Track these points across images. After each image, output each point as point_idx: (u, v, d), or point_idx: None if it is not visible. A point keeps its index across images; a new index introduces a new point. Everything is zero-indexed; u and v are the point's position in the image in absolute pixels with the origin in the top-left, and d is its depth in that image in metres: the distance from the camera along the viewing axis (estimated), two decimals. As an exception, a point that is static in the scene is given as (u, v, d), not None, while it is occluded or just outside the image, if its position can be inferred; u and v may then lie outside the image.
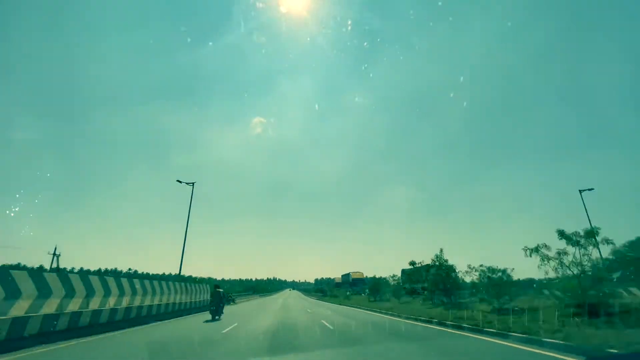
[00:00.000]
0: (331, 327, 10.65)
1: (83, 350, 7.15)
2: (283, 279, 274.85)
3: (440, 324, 11.02)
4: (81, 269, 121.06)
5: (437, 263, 17.28)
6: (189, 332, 10.20)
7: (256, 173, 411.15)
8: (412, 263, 21.12)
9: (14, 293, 7.89)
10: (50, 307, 8.88)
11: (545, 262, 10.61)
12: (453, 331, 9.45)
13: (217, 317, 15.38)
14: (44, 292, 8.74)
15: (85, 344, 7.85)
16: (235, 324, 12.00)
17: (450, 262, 19.43)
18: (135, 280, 14.62)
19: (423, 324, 11.55)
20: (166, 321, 14.46)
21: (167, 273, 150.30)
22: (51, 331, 8.65)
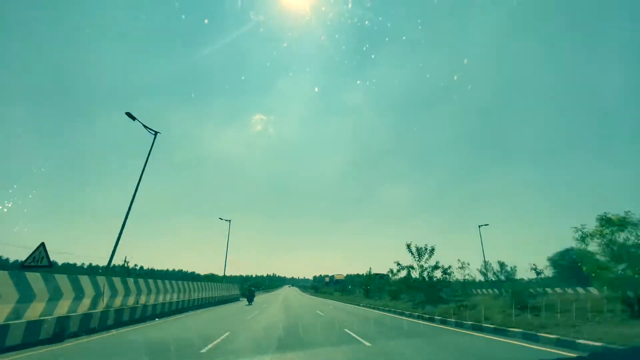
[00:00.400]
0: (309, 305, 23.86)
1: (193, 316, 20.17)
2: (282, 275, 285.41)
3: (352, 304, 24.39)
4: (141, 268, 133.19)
5: (368, 274, 31.08)
6: (247, 308, 23.14)
7: (255, 170, 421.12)
8: (356, 274, 34.77)
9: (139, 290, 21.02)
10: (163, 298, 21.99)
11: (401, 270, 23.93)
12: (354, 305, 22.67)
13: (251, 303, 28.40)
14: (156, 289, 21.80)
15: (192, 315, 20.89)
16: (265, 305, 25.14)
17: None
18: (203, 283, 27.76)
19: (349, 304, 24.87)
20: (223, 305, 27.44)
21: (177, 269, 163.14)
22: (184, 308, 21.66)
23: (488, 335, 9.16)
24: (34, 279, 8.13)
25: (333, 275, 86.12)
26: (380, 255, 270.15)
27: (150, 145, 16.58)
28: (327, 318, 14.35)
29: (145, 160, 16.27)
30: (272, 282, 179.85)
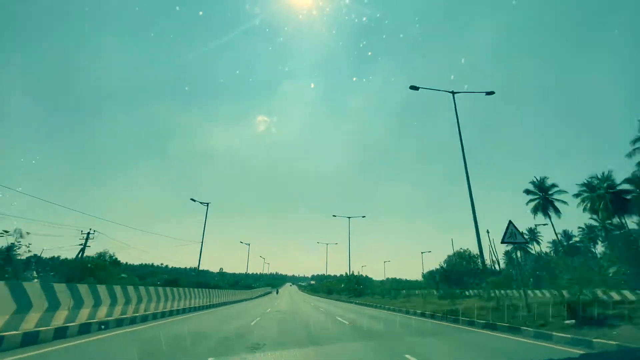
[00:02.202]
0: (298, 293, 67.06)
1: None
2: (284, 273, 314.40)
3: (310, 295, 67.69)
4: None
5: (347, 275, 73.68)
6: (278, 295, 65.73)
7: (258, 169, 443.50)
8: (322, 274, 77.24)
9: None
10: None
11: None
12: (309, 295, 65.86)
13: (277, 294, 71.19)
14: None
15: (262, 297, 63.93)
16: (282, 294, 68.09)
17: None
18: (262, 288, 70.80)
19: (308, 295, 68.12)
20: (267, 295, 70.29)
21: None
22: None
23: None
24: None
25: (313, 278, 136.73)
26: (377, 253, 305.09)
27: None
28: (301, 295, 57.29)
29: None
30: (275, 281, 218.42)
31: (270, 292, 75.63)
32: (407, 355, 6.11)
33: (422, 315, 15.36)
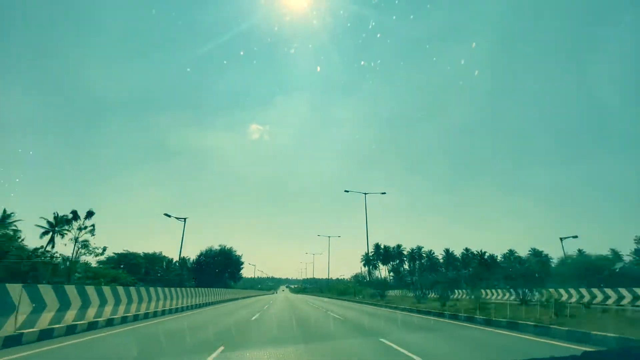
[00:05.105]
0: (290, 293, 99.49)
1: (269, 295, 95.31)
2: (278, 277, 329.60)
3: (297, 295, 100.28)
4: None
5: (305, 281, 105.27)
6: (276, 294, 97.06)
7: (250, 174, 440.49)
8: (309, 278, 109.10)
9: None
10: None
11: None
12: (296, 294, 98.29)
13: (277, 293, 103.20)
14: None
15: (269, 295, 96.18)
16: (279, 295, 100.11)
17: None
18: (258, 291, 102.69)
19: (304, 295, 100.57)
20: (270, 294, 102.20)
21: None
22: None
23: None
24: None
25: (304, 281, 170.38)
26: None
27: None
28: (290, 295, 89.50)
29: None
30: (272, 284, 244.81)
31: (274, 292, 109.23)
32: (330, 313, 26.87)
33: (336, 299, 47.27)
